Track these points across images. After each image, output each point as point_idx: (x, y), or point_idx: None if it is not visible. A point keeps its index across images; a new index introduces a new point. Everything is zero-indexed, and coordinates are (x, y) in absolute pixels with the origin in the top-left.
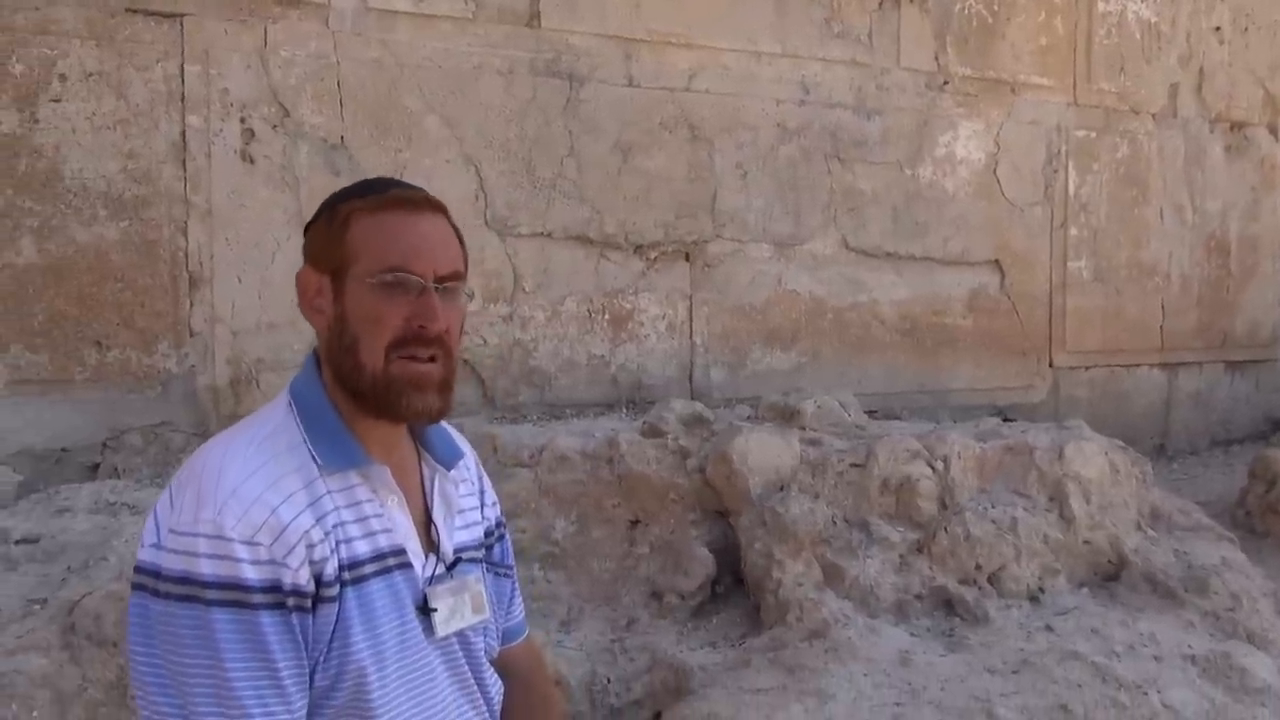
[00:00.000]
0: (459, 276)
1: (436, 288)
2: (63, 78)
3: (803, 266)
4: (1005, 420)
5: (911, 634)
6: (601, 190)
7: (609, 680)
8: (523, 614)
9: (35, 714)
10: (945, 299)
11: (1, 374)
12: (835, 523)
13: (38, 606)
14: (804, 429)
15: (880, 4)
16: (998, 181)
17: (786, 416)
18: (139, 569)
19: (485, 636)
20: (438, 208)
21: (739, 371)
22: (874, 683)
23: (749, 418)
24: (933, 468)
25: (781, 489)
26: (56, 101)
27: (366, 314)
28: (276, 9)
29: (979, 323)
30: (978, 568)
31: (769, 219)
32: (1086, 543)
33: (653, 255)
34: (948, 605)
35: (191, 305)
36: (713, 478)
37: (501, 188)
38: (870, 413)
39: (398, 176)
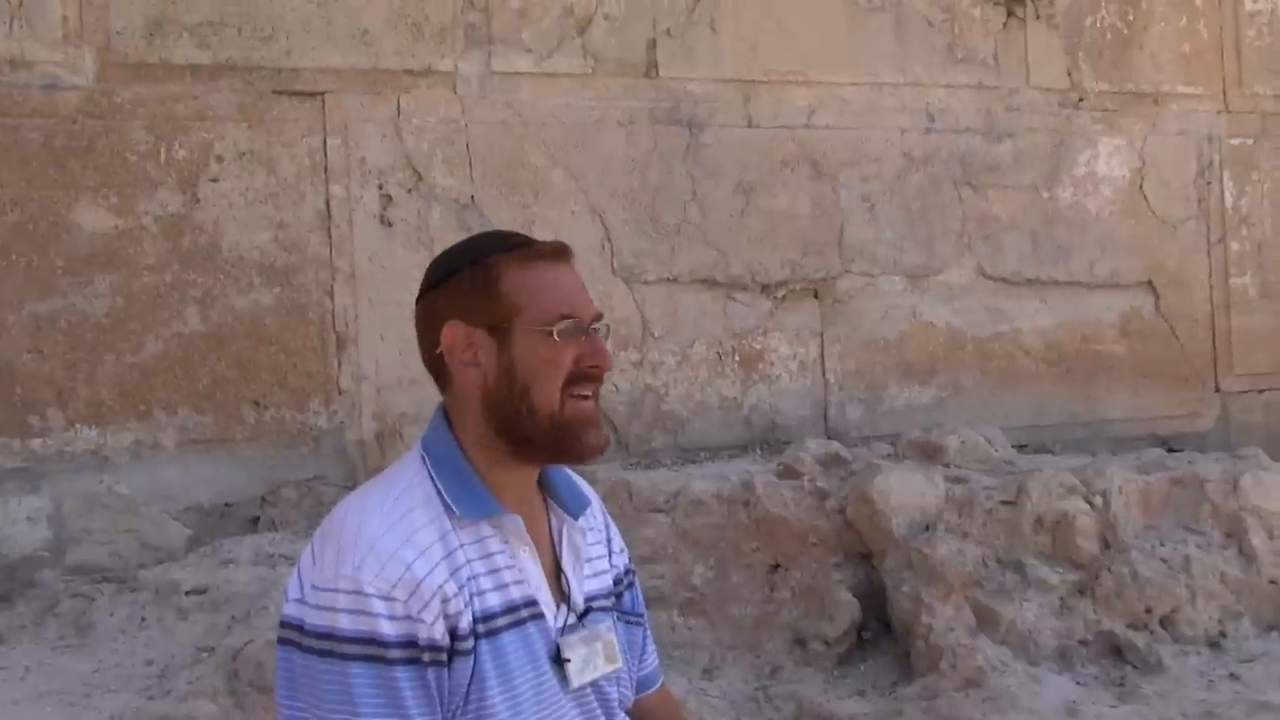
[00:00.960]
0: (603, 316)
1: (595, 329)
2: (219, 158)
3: (938, 298)
4: (1170, 451)
5: (1077, 683)
6: (726, 232)
7: None
8: (656, 662)
9: None
10: (1095, 324)
11: (172, 435)
12: (986, 564)
13: (206, 654)
14: (948, 465)
15: (1005, 24)
16: (1145, 198)
17: (929, 453)
18: (284, 623)
19: (619, 686)
20: (572, 254)
21: (876, 409)
22: None
23: (888, 456)
24: (1091, 503)
25: (927, 529)
26: (214, 181)
27: (542, 361)
28: (407, 79)
29: (1134, 348)
30: (1148, 610)
31: (899, 251)
32: (1272, 582)
33: (781, 294)
34: (1116, 651)
35: (339, 364)
36: (853, 518)
37: (627, 236)
38: (1019, 447)
39: (527, 230)
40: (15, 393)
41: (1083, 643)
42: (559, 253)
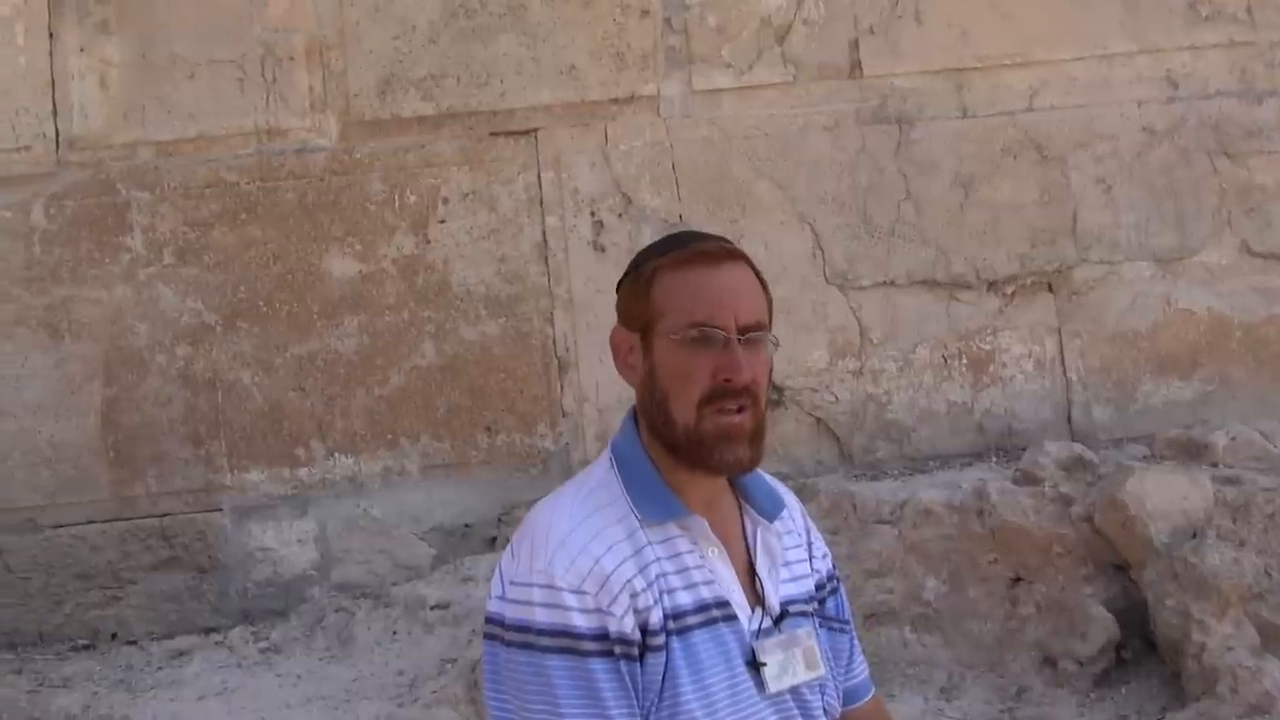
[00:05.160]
0: (762, 326)
1: (740, 339)
2: (445, 201)
3: (1195, 281)
4: None
5: None
6: (944, 229)
7: None
8: (866, 672)
9: None
10: None
11: (415, 460)
12: (1270, 574)
13: (449, 665)
14: (1216, 465)
15: None
16: None
17: (1191, 452)
18: (488, 619)
19: (824, 695)
20: (738, 257)
21: (1127, 407)
22: None
23: (1144, 457)
24: None
25: (1194, 536)
26: (442, 222)
27: (675, 370)
28: (613, 107)
29: None
30: None
31: (1144, 233)
32: None
33: (1009, 290)
34: None
35: (562, 388)
36: (1103, 526)
37: (838, 241)
38: None
39: (735, 244)
40: (284, 427)
41: None
42: (718, 256)
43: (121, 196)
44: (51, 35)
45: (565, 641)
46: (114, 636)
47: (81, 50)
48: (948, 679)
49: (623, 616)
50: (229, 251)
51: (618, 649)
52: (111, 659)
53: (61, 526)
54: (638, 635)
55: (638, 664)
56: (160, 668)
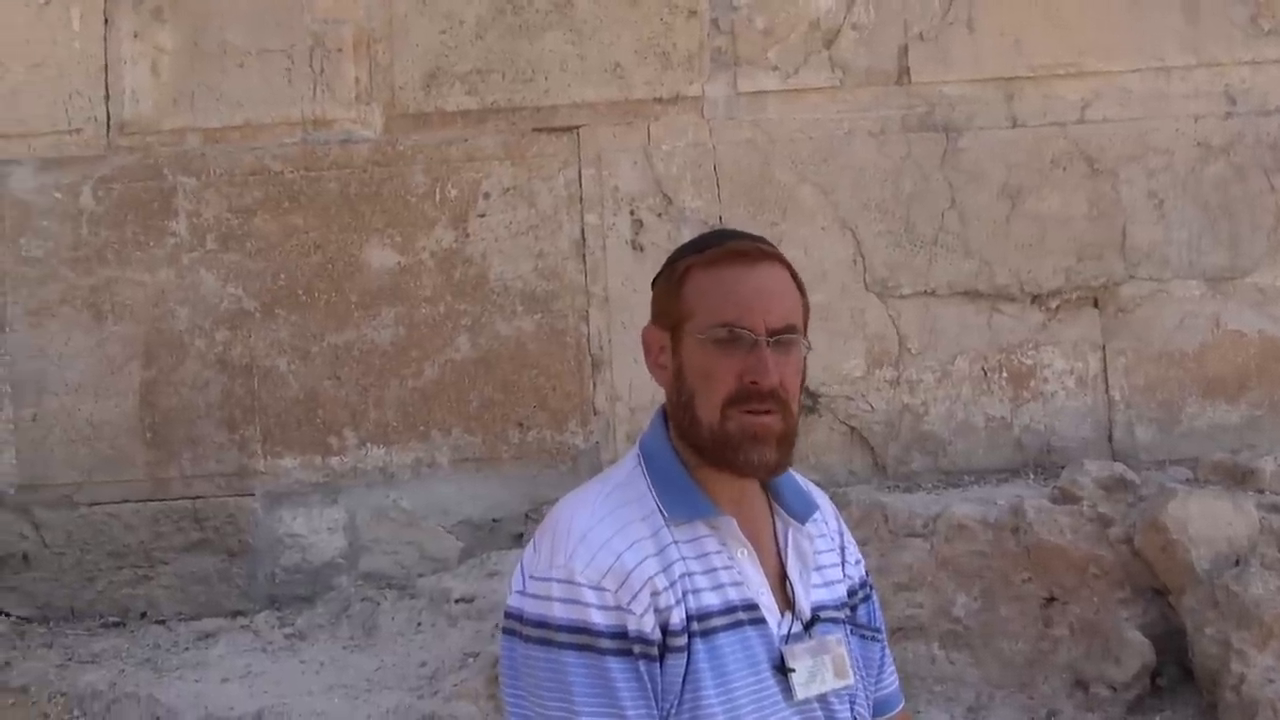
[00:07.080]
0: (794, 329)
1: (769, 341)
2: (486, 195)
3: (1246, 302)
4: None
5: None
6: (989, 240)
7: None
8: (896, 683)
9: None
10: None
11: (446, 454)
12: None
13: (471, 659)
14: (1262, 492)
15: None
16: None
17: (1237, 477)
18: (507, 614)
19: (853, 705)
20: (774, 257)
21: (1172, 429)
22: None
23: (1187, 480)
24: None
25: (1236, 563)
26: (482, 216)
27: (701, 370)
28: (657, 107)
29: None
30: None
31: (1196, 252)
32: None
33: (1054, 304)
34: None
35: (594, 386)
36: (1143, 549)
37: (879, 249)
38: None
39: (773, 245)
40: (318, 416)
41: None
42: (753, 255)
43: (168, 181)
44: (106, 20)
45: (583, 638)
46: (143, 615)
47: (135, 36)
48: (976, 698)
49: (643, 615)
50: (270, 239)
51: (636, 648)
52: (140, 637)
53: (97, 504)
54: (658, 635)
55: (657, 664)
56: (186, 648)
